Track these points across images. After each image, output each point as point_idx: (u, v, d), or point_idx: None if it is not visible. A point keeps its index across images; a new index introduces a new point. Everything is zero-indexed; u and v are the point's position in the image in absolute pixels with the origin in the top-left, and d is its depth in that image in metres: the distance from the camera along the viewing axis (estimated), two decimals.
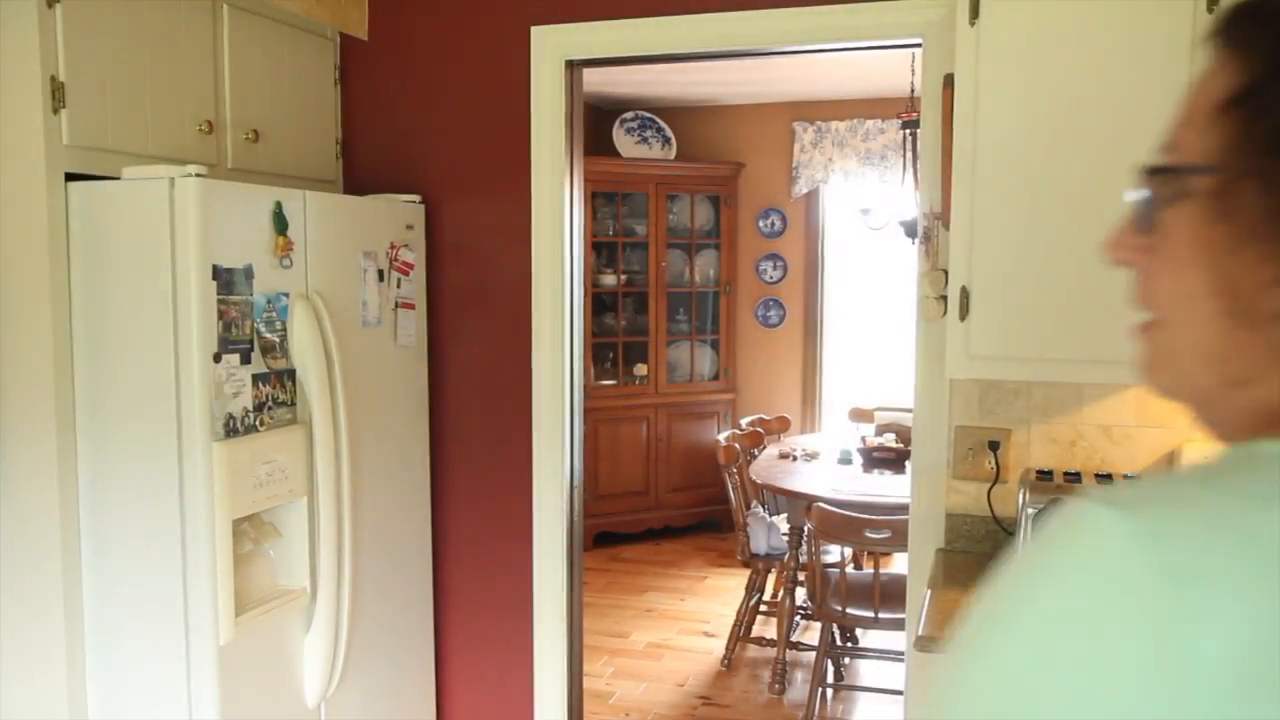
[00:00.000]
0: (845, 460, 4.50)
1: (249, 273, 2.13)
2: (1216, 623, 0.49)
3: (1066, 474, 2.34)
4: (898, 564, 4.72)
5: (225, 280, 2.07)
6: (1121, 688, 0.50)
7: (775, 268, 6.41)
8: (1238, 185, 0.57)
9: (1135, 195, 0.65)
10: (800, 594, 4.13)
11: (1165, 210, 0.62)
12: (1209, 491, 0.54)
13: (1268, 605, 0.48)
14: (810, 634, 4.43)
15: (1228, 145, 0.58)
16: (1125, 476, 2.32)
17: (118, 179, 2.09)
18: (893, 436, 4.64)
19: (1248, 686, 0.47)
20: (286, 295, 2.23)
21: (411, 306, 2.77)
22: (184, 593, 2.08)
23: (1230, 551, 0.50)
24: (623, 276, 6.11)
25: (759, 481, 4.27)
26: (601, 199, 6.03)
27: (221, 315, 2.06)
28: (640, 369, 6.07)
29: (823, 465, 4.49)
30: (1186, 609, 0.49)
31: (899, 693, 3.46)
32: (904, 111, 4.58)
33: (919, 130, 2.68)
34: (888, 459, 4.45)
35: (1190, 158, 0.60)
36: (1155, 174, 0.63)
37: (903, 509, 2.83)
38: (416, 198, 2.84)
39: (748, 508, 4.39)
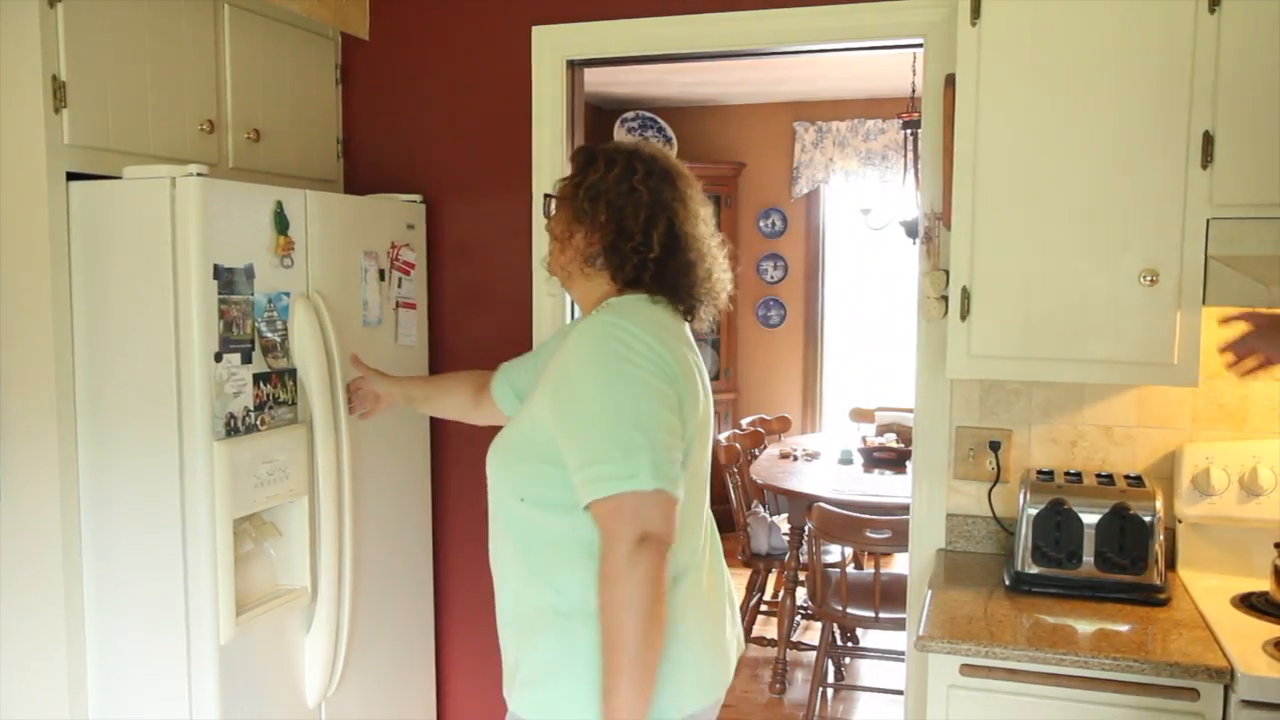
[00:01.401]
0: (846, 460, 4.50)
1: (250, 272, 2.13)
2: (640, 341, 1.49)
3: (1067, 474, 2.34)
4: (898, 564, 4.72)
5: (226, 280, 2.07)
6: (642, 375, 1.47)
7: (776, 268, 6.41)
8: (564, 206, 1.67)
9: (546, 204, 1.76)
10: (801, 594, 4.13)
11: (554, 211, 1.70)
12: (627, 307, 1.57)
13: (657, 335, 1.52)
14: (811, 634, 4.44)
15: (566, 192, 1.67)
16: (1126, 477, 2.32)
17: (119, 178, 2.09)
18: (893, 436, 4.64)
19: (656, 365, 1.50)
20: (287, 295, 2.23)
21: (413, 306, 2.77)
22: (184, 592, 2.08)
23: (637, 323, 1.52)
24: None
25: (760, 481, 4.27)
26: None
27: (222, 315, 2.06)
28: None
29: (823, 465, 4.49)
30: (644, 342, 1.50)
31: (899, 693, 3.46)
32: (905, 111, 4.59)
33: (920, 130, 2.68)
34: (888, 459, 4.45)
35: (560, 192, 1.69)
36: (548, 197, 1.75)
37: (903, 509, 2.83)
38: (417, 197, 2.84)
39: (748, 508, 4.39)
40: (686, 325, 1.72)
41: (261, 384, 2.16)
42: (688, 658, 1.55)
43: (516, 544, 1.62)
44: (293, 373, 2.24)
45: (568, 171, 3.00)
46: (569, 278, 1.71)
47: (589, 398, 1.47)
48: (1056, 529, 2.20)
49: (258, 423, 2.15)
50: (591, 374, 1.48)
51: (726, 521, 5.48)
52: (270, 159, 2.63)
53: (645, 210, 1.61)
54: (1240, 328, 1.92)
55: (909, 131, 4.48)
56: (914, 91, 4.44)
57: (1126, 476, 2.33)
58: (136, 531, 2.10)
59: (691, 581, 1.58)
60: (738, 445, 4.44)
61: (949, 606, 2.13)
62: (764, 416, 5.46)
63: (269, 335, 2.18)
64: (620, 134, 6.13)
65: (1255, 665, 1.83)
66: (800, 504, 3.93)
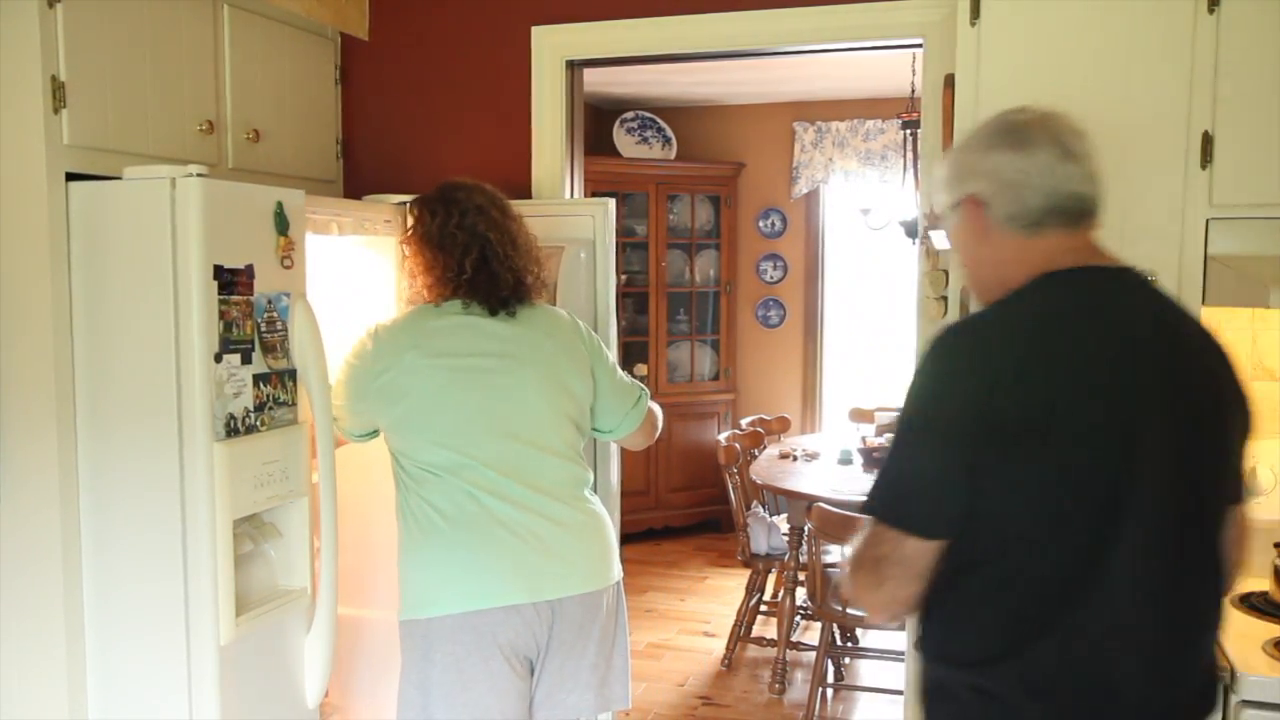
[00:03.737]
0: (845, 460, 4.50)
1: (250, 273, 2.12)
2: (367, 344, 2.15)
3: None
4: None
5: (226, 280, 2.07)
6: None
7: (775, 268, 6.41)
8: (408, 254, 2.19)
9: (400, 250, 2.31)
10: (800, 594, 4.13)
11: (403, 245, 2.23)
12: (409, 317, 2.19)
13: (388, 337, 2.13)
14: (810, 634, 4.44)
15: (406, 241, 2.21)
16: None
17: (119, 179, 2.09)
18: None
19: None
20: (287, 295, 2.23)
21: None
22: (184, 593, 2.07)
23: (379, 329, 2.15)
24: (623, 276, 6.11)
25: (759, 482, 4.27)
26: None
27: (222, 315, 2.06)
28: (640, 369, 6.08)
29: (823, 465, 4.49)
30: (367, 345, 2.15)
31: (899, 693, 3.46)
32: (904, 111, 4.59)
33: (919, 130, 2.68)
34: None
35: (402, 241, 2.24)
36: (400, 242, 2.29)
37: None
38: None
39: (748, 508, 4.40)
40: (478, 317, 2.12)
41: (261, 384, 2.16)
42: (423, 569, 2.07)
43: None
44: (293, 373, 2.24)
45: (567, 171, 3.02)
46: (420, 293, 2.21)
47: None
48: None
49: (257, 423, 2.15)
50: None
51: (726, 521, 5.50)
52: (270, 159, 2.63)
53: (461, 246, 2.08)
54: None
55: (909, 131, 4.48)
56: (914, 91, 4.44)
57: None
58: (136, 532, 2.10)
59: (435, 510, 2.06)
60: (737, 445, 4.44)
61: None
62: (764, 416, 5.46)
63: (269, 336, 2.18)
64: (620, 134, 6.13)
65: (1255, 665, 1.83)
66: (800, 504, 3.93)
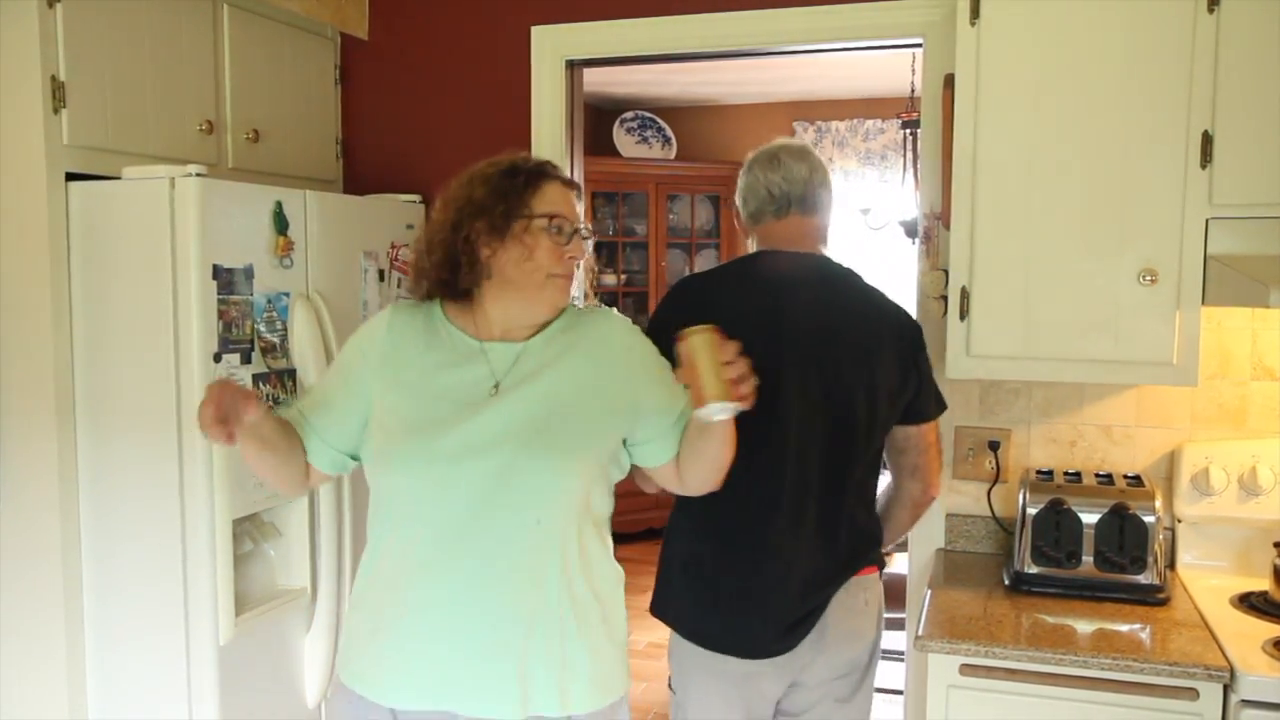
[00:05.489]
0: None
1: (249, 273, 2.13)
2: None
3: (1066, 474, 2.34)
4: (898, 564, 4.72)
5: (225, 280, 2.07)
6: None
7: None
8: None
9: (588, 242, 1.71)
10: None
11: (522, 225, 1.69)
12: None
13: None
14: None
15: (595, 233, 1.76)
16: (1126, 477, 2.32)
17: (118, 179, 2.09)
18: None
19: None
20: (287, 295, 2.23)
21: None
22: (184, 593, 2.08)
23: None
24: (623, 276, 6.10)
25: None
26: (602, 199, 6.03)
27: (221, 315, 2.06)
28: None
29: None
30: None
31: (899, 692, 3.45)
32: (904, 111, 4.59)
33: (919, 130, 2.68)
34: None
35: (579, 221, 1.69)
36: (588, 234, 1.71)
37: None
38: (417, 197, 2.83)
39: None
40: None
41: (261, 384, 2.16)
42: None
43: (564, 542, 1.57)
44: (292, 373, 2.24)
45: (567, 171, 3.02)
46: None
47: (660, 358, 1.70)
48: (1056, 529, 2.20)
49: None
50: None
51: None
52: (270, 159, 2.63)
53: None
54: None
55: (908, 131, 4.48)
56: (913, 91, 4.44)
57: (1126, 476, 2.33)
58: (136, 532, 2.10)
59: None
60: None
61: (949, 606, 2.12)
62: None
63: (268, 336, 2.18)
64: (620, 134, 6.13)
65: (1254, 665, 1.83)
66: None
